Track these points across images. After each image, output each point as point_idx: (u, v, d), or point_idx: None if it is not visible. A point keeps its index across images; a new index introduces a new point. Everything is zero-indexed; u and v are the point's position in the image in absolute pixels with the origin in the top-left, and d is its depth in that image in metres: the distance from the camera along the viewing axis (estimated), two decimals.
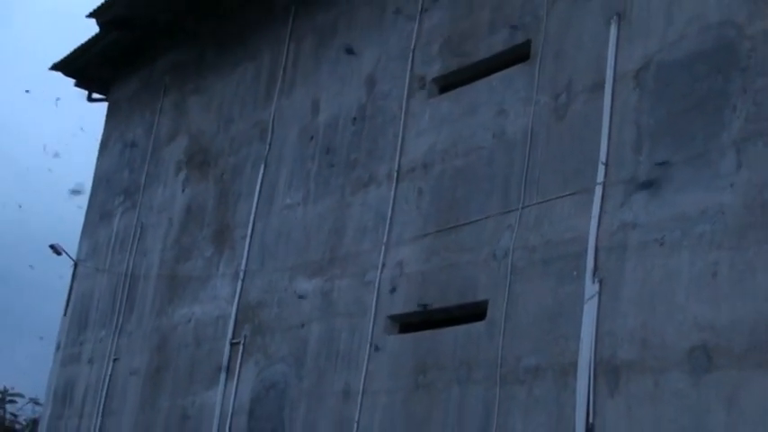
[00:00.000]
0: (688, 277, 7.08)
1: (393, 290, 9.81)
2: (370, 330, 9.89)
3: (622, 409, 7.24)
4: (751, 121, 7.03)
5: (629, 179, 7.80)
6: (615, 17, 8.41)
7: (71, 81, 18.03)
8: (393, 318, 9.78)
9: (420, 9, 10.76)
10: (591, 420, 7.39)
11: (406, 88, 10.59)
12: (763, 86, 7.03)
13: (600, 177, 8.02)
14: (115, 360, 14.61)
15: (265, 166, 12.61)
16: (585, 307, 7.73)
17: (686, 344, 6.92)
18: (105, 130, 17.83)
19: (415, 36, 10.74)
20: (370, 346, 9.83)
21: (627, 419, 7.19)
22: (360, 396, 9.71)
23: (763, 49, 7.12)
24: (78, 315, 16.36)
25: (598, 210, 7.94)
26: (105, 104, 18.21)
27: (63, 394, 16.03)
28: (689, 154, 7.39)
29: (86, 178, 17.95)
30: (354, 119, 11.29)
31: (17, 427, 24.32)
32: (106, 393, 14.54)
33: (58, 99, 17.39)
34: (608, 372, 7.42)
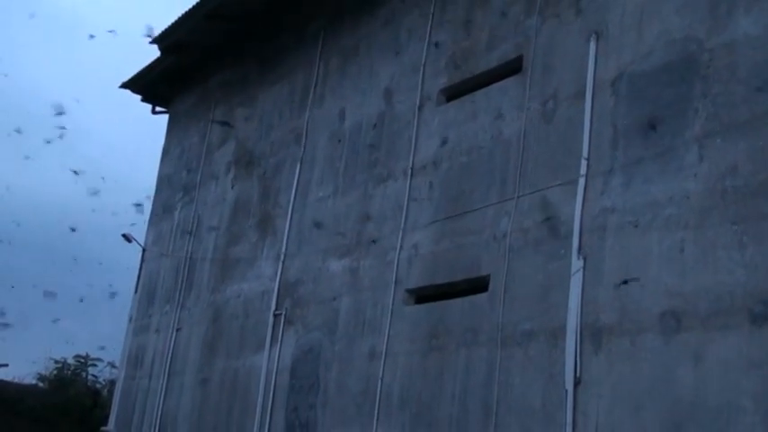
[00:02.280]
0: (658, 253, 7.04)
1: (409, 267, 9.79)
2: (391, 302, 9.86)
3: (604, 365, 7.20)
4: (710, 121, 6.98)
5: (607, 171, 7.74)
6: (594, 35, 8.35)
7: (138, 97, 18.05)
8: (410, 291, 9.75)
9: (429, 32, 10.71)
10: (578, 375, 7.36)
11: (417, 98, 10.55)
12: (721, 92, 6.97)
13: (583, 170, 7.97)
14: (178, 330, 14.63)
15: (301, 165, 12.58)
16: (572, 280, 7.68)
17: (658, 309, 6.88)
18: (166, 138, 17.84)
19: (424, 54, 10.69)
20: (391, 314, 9.81)
21: (608, 374, 7.15)
22: (383, 357, 9.69)
23: (720, 61, 7.07)
24: (147, 293, 16.40)
25: (581, 197, 7.89)
26: (166, 116, 18.22)
27: (135, 359, 16.08)
28: (658, 149, 7.33)
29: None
30: (375, 125, 11.25)
31: (98, 386, 24.42)
32: (171, 357, 14.57)
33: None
34: (592, 334, 7.37)
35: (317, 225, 11.62)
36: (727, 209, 6.64)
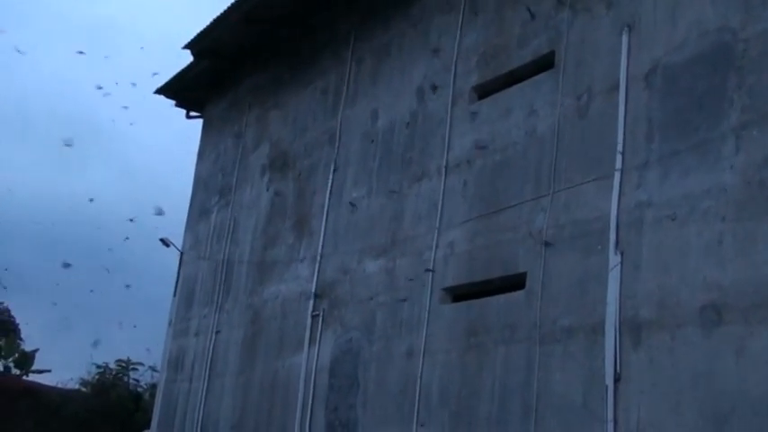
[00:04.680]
0: (697, 246, 6.99)
1: (446, 265, 9.78)
2: (428, 300, 9.85)
3: (645, 360, 7.16)
4: (746, 112, 6.92)
5: (643, 165, 7.69)
6: (626, 28, 8.30)
7: (172, 102, 18.16)
8: (447, 289, 9.74)
9: (459, 29, 10.69)
10: (618, 371, 7.32)
11: (450, 96, 10.53)
12: (756, 82, 6.92)
13: (618, 164, 7.93)
14: (217, 332, 14.71)
15: (335, 166, 12.61)
16: (610, 275, 7.65)
17: (698, 303, 6.83)
18: (201, 142, 17.92)
19: (456, 52, 10.67)
20: (428, 313, 9.80)
21: (649, 369, 7.11)
22: (421, 356, 9.70)
23: (755, 50, 7.01)
24: (185, 296, 16.50)
25: (617, 192, 7.86)
26: (200, 121, 18.30)
27: (176, 362, 16.19)
28: (694, 142, 7.28)
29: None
30: (408, 124, 11.25)
31: (139, 390, 24.61)
32: (211, 360, 14.66)
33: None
34: (631, 329, 7.34)
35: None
36: (766, 200, 6.57)
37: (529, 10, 9.46)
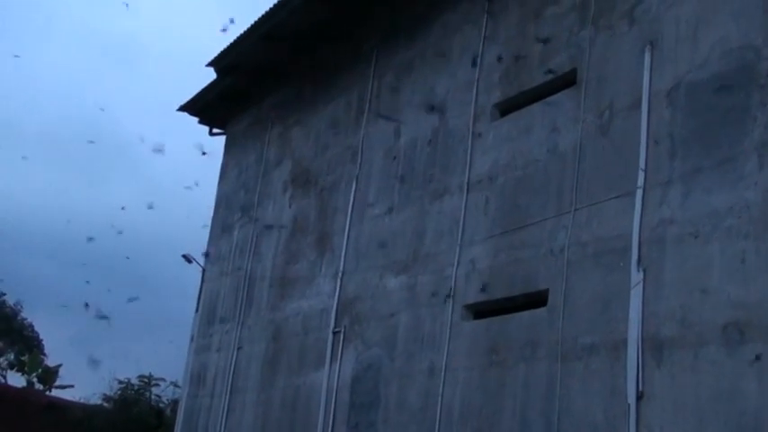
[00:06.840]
0: (720, 264, 6.96)
1: (467, 282, 9.78)
2: (449, 317, 9.85)
3: (667, 378, 7.13)
4: None
5: (665, 182, 7.67)
6: (648, 46, 8.30)
7: (195, 119, 18.24)
8: (468, 306, 9.73)
9: (482, 46, 10.71)
10: (640, 389, 7.29)
11: (472, 113, 10.55)
12: None
13: (640, 182, 7.92)
14: (239, 348, 14.75)
15: (357, 183, 12.64)
16: (632, 292, 7.62)
17: (720, 321, 6.80)
18: (224, 159, 18.00)
19: (478, 69, 10.70)
20: (450, 330, 9.79)
21: (671, 387, 7.08)
22: (443, 373, 9.68)
23: None
24: (207, 312, 16.55)
25: (639, 209, 7.84)
26: (223, 138, 18.39)
27: (197, 378, 16.22)
28: (716, 159, 7.26)
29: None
30: (430, 141, 11.28)
31: (161, 405, 24.68)
32: (232, 376, 14.69)
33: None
34: (654, 347, 7.30)
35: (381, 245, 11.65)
36: None
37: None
